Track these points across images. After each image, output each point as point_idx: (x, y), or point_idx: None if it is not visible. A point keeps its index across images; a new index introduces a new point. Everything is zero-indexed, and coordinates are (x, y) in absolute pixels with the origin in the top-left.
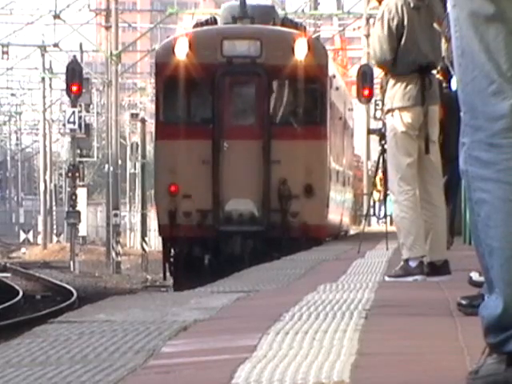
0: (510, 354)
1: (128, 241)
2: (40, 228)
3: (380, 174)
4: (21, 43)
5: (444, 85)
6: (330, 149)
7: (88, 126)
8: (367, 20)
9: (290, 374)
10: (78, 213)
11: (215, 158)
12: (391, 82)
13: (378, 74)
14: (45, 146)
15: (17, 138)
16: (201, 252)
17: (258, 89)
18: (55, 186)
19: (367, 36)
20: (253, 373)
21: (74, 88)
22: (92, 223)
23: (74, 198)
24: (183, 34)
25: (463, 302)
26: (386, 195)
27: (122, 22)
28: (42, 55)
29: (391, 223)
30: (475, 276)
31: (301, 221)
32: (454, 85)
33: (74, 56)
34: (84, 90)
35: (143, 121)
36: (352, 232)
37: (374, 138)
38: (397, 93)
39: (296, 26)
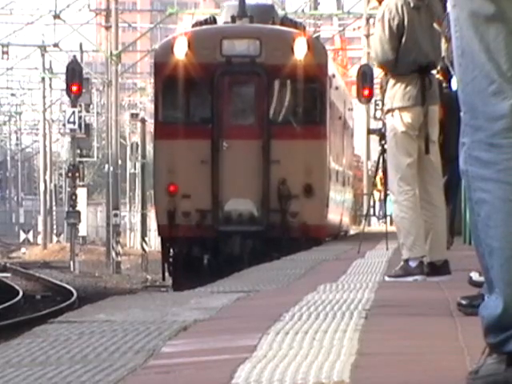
0: (510, 354)
1: (128, 241)
2: (40, 228)
3: (380, 173)
4: (21, 43)
5: (444, 85)
6: (330, 148)
7: (88, 126)
8: (367, 20)
9: (289, 374)
10: (78, 213)
11: (214, 157)
12: (391, 81)
13: (378, 73)
14: (45, 146)
15: (17, 138)
16: (200, 252)
17: (257, 88)
18: (55, 186)
19: (367, 36)
20: (253, 373)
21: (74, 88)
22: (92, 223)
23: (74, 197)
24: (182, 34)
25: (463, 302)
26: (386, 195)
27: (122, 22)
28: (42, 55)
29: (391, 223)
30: (475, 276)
31: (300, 221)
32: (454, 85)
33: (74, 56)
34: (84, 90)
35: (143, 121)
36: (352, 232)
37: (374, 138)
38: (397, 93)
39: (295, 25)
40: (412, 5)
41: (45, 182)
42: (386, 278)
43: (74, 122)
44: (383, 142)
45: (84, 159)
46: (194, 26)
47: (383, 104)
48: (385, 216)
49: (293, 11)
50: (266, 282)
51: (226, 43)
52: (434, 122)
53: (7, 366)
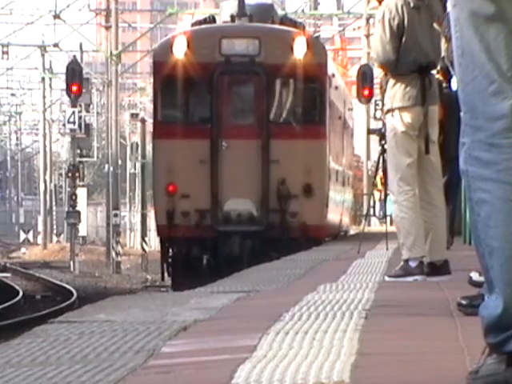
0: (510, 354)
1: (128, 241)
2: (40, 228)
3: (380, 173)
4: (21, 43)
5: (444, 85)
6: (330, 148)
7: (88, 126)
8: (367, 20)
9: (289, 374)
10: (78, 213)
11: (213, 157)
12: (391, 81)
13: (378, 73)
14: (45, 146)
15: (17, 138)
16: (199, 252)
17: (256, 88)
18: (55, 186)
19: (367, 36)
20: (253, 373)
21: (74, 88)
22: (92, 223)
23: (74, 197)
24: (181, 33)
25: (463, 302)
26: (386, 195)
27: (122, 22)
28: (42, 55)
29: (391, 223)
30: (475, 276)
31: (300, 221)
32: (454, 85)
33: (74, 56)
34: (84, 90)
35: (143, 121)
36: (352, 232)
37: (374, 138)
38: (397, 93)
39: (295, 24)
40: (412, 5)
41: (45, 181)
42: (386, 278)
43: (74, 122)
44: (383, 142)
45: (84, 159)
46: (193, 25)
47: (383, 104)
48: (385, 216)
49: (293, 11)
50: (266, 282)
51: (226, 42)
52: (434, 122)
53: (7, 365)
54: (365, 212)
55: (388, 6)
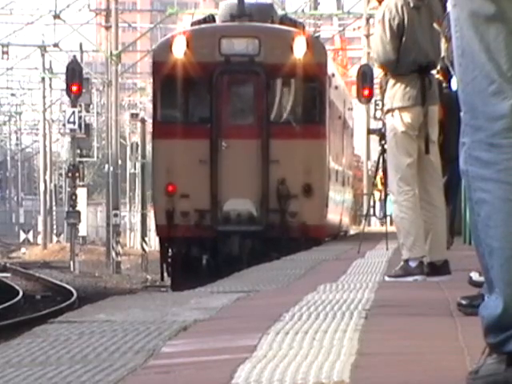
0: (510, 354)
1: (128, 241)
2: (40, 228)
3: (380, 173)
4: (21, 43)
5: (444, 85)
6: (329, 148)
7: (88, 126)
8: (367, 20)
9: (289, 374)
10: (78, 213)
11: (213, 157)
12: (391, 81)
13: (378, 74)
14: (45, 146)
15: (17, 138)
16: (199, 252)
17: (256, 87)
18: (55, 186)
19: (367, 36)
20: (253, 373)
21: (74, 88)
22: (92, 223)
23: (74, 198)
24: (181, 32)
25: (463, 302)
26: (386, 195)
27: (122, 22)
28: (42, 55)
29: (391, 223)
30: (475, 276)
31: (300, 221)
32: (454, 85)
33: (74, 56)
34: (84, 90)
35: (143, 121)
36: (352, 232)
37: (374, 138)
38: (397, 93)
39: (295, 24)
40: (412, 5)
41: (45, 181)
42: (386, 278)
43: (74, 122)
44: (383, 141)
45: (84, 159)
46: (192, 24)
47: (383, 104)
48: (385, 216)
49: (293, 11)
50: (266, 282)
51: (225, 42)
52: (434, 122)
53: (7, 366)
54: (365, 212)
55: (388, 6)
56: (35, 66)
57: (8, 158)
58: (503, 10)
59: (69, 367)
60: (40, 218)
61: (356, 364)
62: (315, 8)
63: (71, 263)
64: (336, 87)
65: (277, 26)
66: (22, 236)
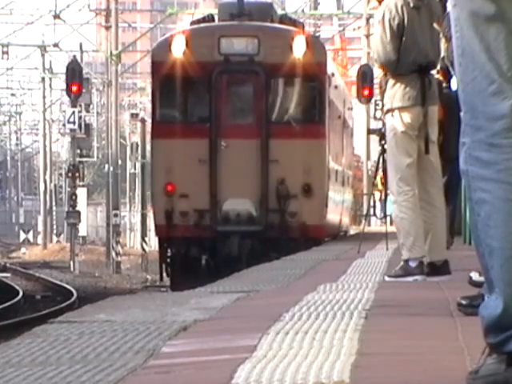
0: (510, 354)
1: (128, 241)
2: (40, 228)
3: (380, 173)
4: (21, 43)
5: (444, 85)
6: (329, 148)
7: (88, 126)
8: (367, 20)
9: (289, 374)
10: (78, 213)
11: (212, 157)
12: (391, 81)
13: (378, 73)
14: (45, 146)
15: (17, 138)
16: (198, 252)
17: (255, 87)
18: (55, 186)
19: (367, 36)
20: (253, 373)
21: (74, 88)
22: (92, 223)
23: (74, 198)
24: (180, 32)
25: (463, 302)
26: (386, 195)
27: (122, 22)
28: (42, 55)
29: (391, 223)
30: (475, 276)
31: (299, 221)
32: (454, 85)
33: (74, 56)
34: (84, 90)
35: (143, 121)
36: (352, 232)
37: (374, 138)
38: (397, 93)
39: (294, 23)
40: (412, 5)
41: (45, 181)
42: (386, 278)
43: (74, 122)
44: (383, 141)
45: (84, 159)
46: (191, 24)
47: (383, 104)
48: (385, 216)
49: (293, 11)
50: (266, 282)
51: (224, 41)
52: (434, 122)
53: (7, 365)
54: (365, 212)
55: (388, 6)
56: (35, 65)
57: (8, 158)
58: (503, 9)
59: (69, 367)
60: (40, 218)
61: (356, 364)
62: (315, 8)
63: (71, 263)
64: (336, 87)
65: (276, 25)
66: (22, 236)
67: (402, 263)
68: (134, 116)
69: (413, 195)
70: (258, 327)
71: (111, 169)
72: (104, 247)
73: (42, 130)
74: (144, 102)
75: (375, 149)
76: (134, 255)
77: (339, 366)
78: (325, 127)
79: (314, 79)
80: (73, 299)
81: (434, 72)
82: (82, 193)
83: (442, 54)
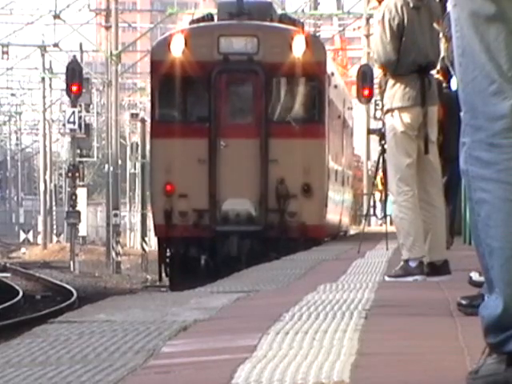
0: (510, 354)
1: (128, 241)
2: (40, 228)
3: (380, 173)
4: (21, 43)
5: (444, 85)
6: (329, 148)
7: (88, 126)
8: (367, 20)
9: (289, 374)
10: (78, 213)
11: (212, 156)
12: (391, 82)
13: (378, 73)
14: (45, 146)
15: (17, 138)
16: (197, 252)
17: (255, 86)
18: (55, 186)
19: (367, 36)
20: (253, 373)
21: (74, 88)
22: (92, 223)
23: (74, 198)
24: (179, 31)
25: (463, 302)
26: (386, 195)
27: (121, 22)
28: (42, 55)
29: (391, 223)
30: (475, 276)
31: (299, 221)
32: (454, 85)
33: (74, 56)
34: (84, 90)
35: (143, 121)
36: (352, 232)
37: (374, 138)
38: (396, 93)
39: (294, 22)
40: (412, 5)
41: (45, 181)
42: (386, 278)
43: (74, 122)
44: (383, 141)
45: (84, 159)
46: (190, 23)
47: (383, 104)
48: (385, 216)
49: (293, 11)
50: (266, 282)
51: (224, 41)
52: (433, 123)
53: (7, 366)
54: (365, 212)
55: (388, 7)
56: (35, 66)
57: (8, 158)
58: (503, 9)
59: (69, 367)
60: (40, 218)
61: (356, 364)
62: (315, 8)
63: (71, 263)
64: (335, 86)
65: (276, 24)
66: (22, 236)
67: (401, 263)
68: (133, 116)
69: (412, 195)
70: (258, 327)
71: (111, 169)
72: (104, 247)
73: (42, 130)
74: (144, 101)
75: (375, 149)
76: (133, 255)
77: (339, 365)
78: (324, 127)
79: (314, 79)
80: (73, 299)
81: (433, 72)
82: (81, 193)
83: (442, 54)
